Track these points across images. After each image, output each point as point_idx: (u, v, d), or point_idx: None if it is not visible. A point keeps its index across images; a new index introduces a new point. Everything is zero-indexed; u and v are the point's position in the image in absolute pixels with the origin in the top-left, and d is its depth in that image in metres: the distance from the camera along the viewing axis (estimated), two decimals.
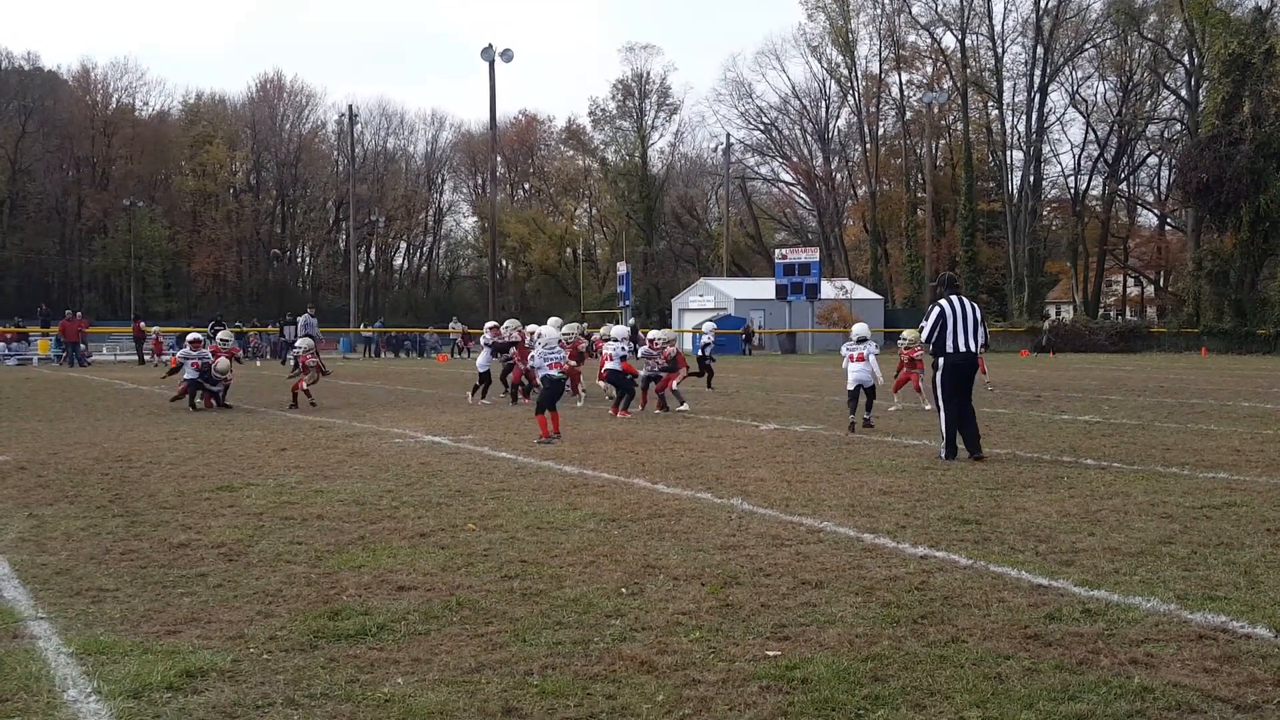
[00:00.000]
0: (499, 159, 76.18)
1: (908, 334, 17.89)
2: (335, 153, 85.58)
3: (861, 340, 14.61)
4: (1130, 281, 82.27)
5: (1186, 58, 63.02)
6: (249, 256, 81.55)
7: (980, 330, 11.50)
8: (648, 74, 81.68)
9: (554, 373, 13.62)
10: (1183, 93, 64.50)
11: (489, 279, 58.59)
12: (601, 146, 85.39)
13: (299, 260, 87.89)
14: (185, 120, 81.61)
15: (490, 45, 50.14)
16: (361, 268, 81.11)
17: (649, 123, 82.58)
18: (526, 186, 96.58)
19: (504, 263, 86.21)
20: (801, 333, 56.61)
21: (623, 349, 17.37)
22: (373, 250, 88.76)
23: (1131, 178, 73.44)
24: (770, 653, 4.71)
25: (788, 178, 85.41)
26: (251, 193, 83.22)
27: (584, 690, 4.24)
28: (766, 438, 13.63)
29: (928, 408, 15.51)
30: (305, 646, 4.81)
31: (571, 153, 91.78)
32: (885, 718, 3.96)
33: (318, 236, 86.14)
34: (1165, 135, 68.55)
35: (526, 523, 7.69)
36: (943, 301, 11.52)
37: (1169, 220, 72.94)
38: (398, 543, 7.02)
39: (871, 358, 14.49)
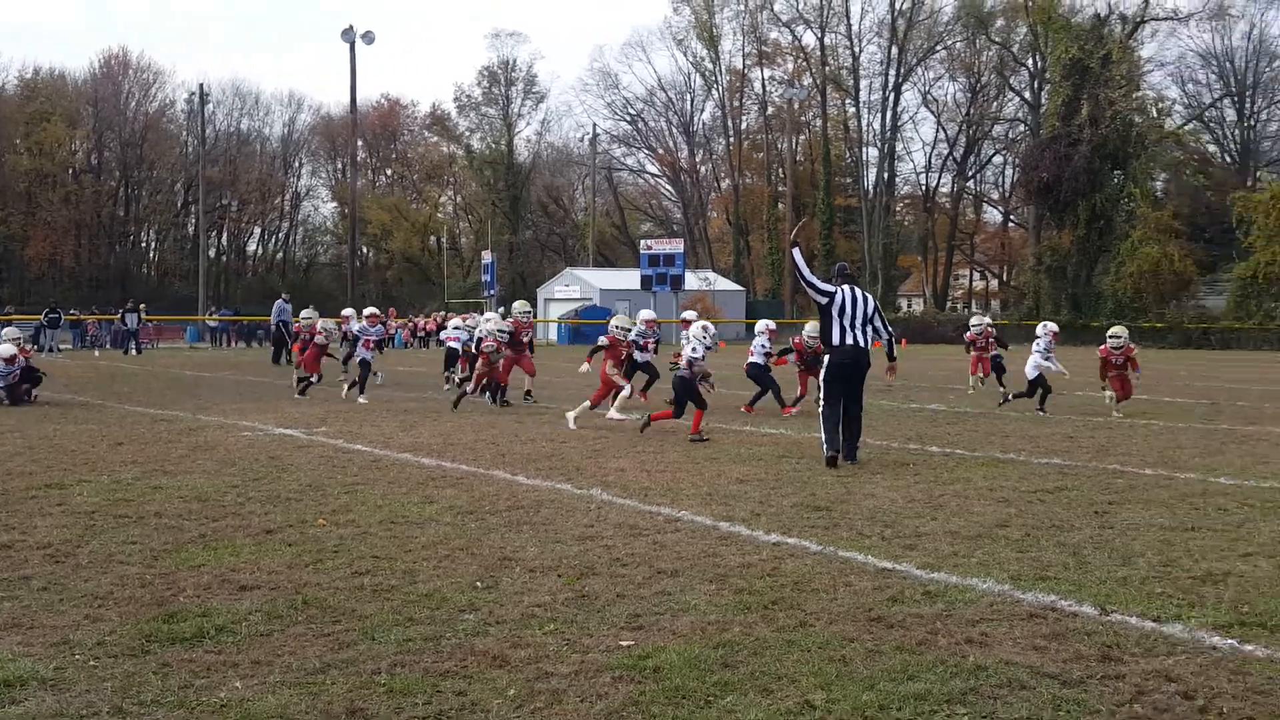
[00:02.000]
0: (360, 143, 74.70)
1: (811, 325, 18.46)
2: (185, 134, 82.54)
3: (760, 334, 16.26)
4: (976, 275, 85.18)
5: (1031, 61, 65.50)
6: (89, 241, 78.14)
7: (870, 323, 10.50)
8: (514, 61, 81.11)
9: (684, 373, 12.69)
10: (1026, 95, 67.01)
11: (348, 266, 57.39)
12: (467, 134, 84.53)
13: (143, 245, 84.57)
14: (21, 96, 77.68)
15: (351, 27, 49.02)
16: (212, 253, 78.54)
17: (515, 111, 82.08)
18: (389, 172, 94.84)
19: (364, 250, 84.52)
20: (666, 323, 56.93)
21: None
22: (224, 235, 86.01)
23: (978, 176, 76.03)
24: (624, 643, 4.74)
25: (653, 169, 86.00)
26: (92, 174, 79.69)
27: (433, 688, 4.20)
28: (628, 428, 13.70)
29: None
30: (136, 651, 4.60)
31: (436, 139, 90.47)
32: (734, 703, 4.04)
33: (164, 220, 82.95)
34: (1010, 135, 71.12)
35: (380, 517, 7.57)
36: (836, 290, 10.66)
37: (1012, 217, 75.70)
38: (241, 540, 6.80)
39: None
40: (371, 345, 17.93)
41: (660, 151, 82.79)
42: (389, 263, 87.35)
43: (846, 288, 10.58)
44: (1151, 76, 65.27)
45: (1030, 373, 15.92)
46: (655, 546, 6.66)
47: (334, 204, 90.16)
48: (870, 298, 10.71)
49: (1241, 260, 50.46)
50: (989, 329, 20.29)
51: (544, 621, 5.06)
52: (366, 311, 18.58)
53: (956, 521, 7.46)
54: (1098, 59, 54.21)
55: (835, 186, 70.03)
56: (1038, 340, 16.17)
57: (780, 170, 73.47)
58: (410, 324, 47.50)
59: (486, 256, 63.67)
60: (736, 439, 12.54)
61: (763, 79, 75.29)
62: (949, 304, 74.95)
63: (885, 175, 69.53)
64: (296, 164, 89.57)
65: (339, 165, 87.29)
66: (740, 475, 9.64)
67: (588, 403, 14.24)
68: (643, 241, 61.58)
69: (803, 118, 73.50)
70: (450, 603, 5.37)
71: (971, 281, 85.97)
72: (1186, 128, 66.54)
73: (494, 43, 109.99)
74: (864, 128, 70.94)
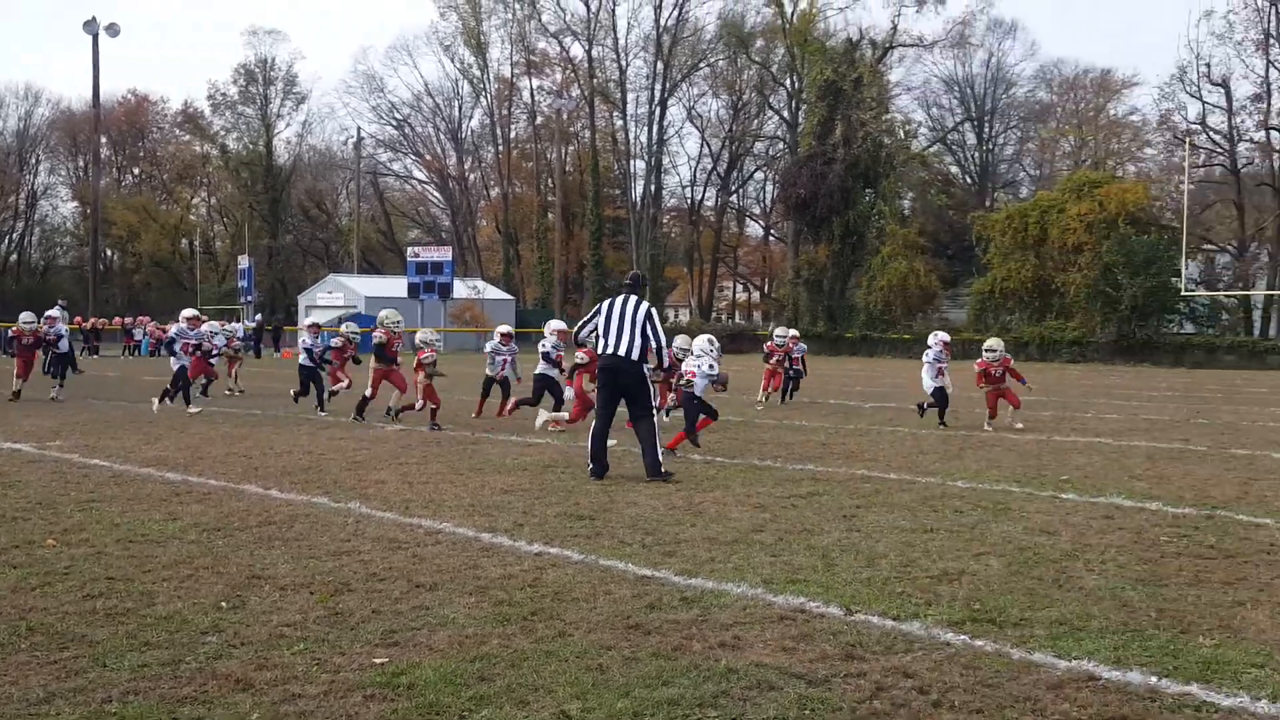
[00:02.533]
0: (104, 140, 70.40)
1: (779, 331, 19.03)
2: None
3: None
4: (739, 287, 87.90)
5: (789, 81, 68.04)
6: None
7: (638, 335, 10.05)
8: (273, 60, 78.30)
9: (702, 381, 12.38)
10: (785, 114, 69.57)
11: (90, 269, 53.92)
12: (222, 133, 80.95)
13: None
14: None
15: (94, 18, 46.31)
16: None
17: (274, 111, 79.21)
18: (136, 171, 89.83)
19: (108, 252, 79.76)
20: (449, 332, 56.23)
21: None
22: None
23: (741, 191, 78.48)
24: (377, 660, 4.62)
25: (421, 175, 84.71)
26: None
27: (170, 714, 3.96)
28: (391, 439, 13.42)
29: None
30: None
31: (188, 138, 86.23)
32: (489, 716, 3.99)
33: None
34: (770, 153, 73.77)
35: (118, 536, 7.12)
36: (608, 300, 10.52)
37: (773, 231, 78.53)
38: None
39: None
40: (190, 350, 17.09)
41: (428, 157, 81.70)
42: (136, 266, 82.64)
43: (621, 297, 10.34)
44: (900, 100, 69.10)
45: (928, 385, 15.56)
46: (414, 560, 6.52)
47: (75, 204, 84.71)
48: (642, 305, 10.30)
49: (980, 276, 53.89)
50: (791, 343, 19.85)
51: (293, 641, 4.87)
52: (188, 313, 17.62)
53: (715, 527, 7.63)
54: (850, 81, 56.87)
55: (604, 197, 70.78)
56: (929, 351, 15.82)
57: (549, 180, 73.76)
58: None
59: (243, 261, 61.27)
60: (502, 449, 12.47)
61: (531, 88, 75.43)
62: (714, 315, 76.96)
63: (652, 188, 70.80)
64: (33, 161, 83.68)
65: (80, 163, 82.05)
66: (505, 485, 9.58)
67: (565, 415, 14.16)
68: (410, 249, 60.59)
69: (571, 128, 74.06)
70: (191, 625, 5.09)
71: (735, 293, 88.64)
72: (931, 149, 70.73)
73: (251, 40, 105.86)
74: (632, 140, 72.10)
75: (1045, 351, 46.95)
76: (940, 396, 15.40)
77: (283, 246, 78.68)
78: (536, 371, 15.84)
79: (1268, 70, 50.82)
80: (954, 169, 75.30)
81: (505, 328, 17.28)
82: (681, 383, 12.53)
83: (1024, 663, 4.66)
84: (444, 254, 56.69)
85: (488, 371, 16.41)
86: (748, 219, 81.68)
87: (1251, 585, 6.06)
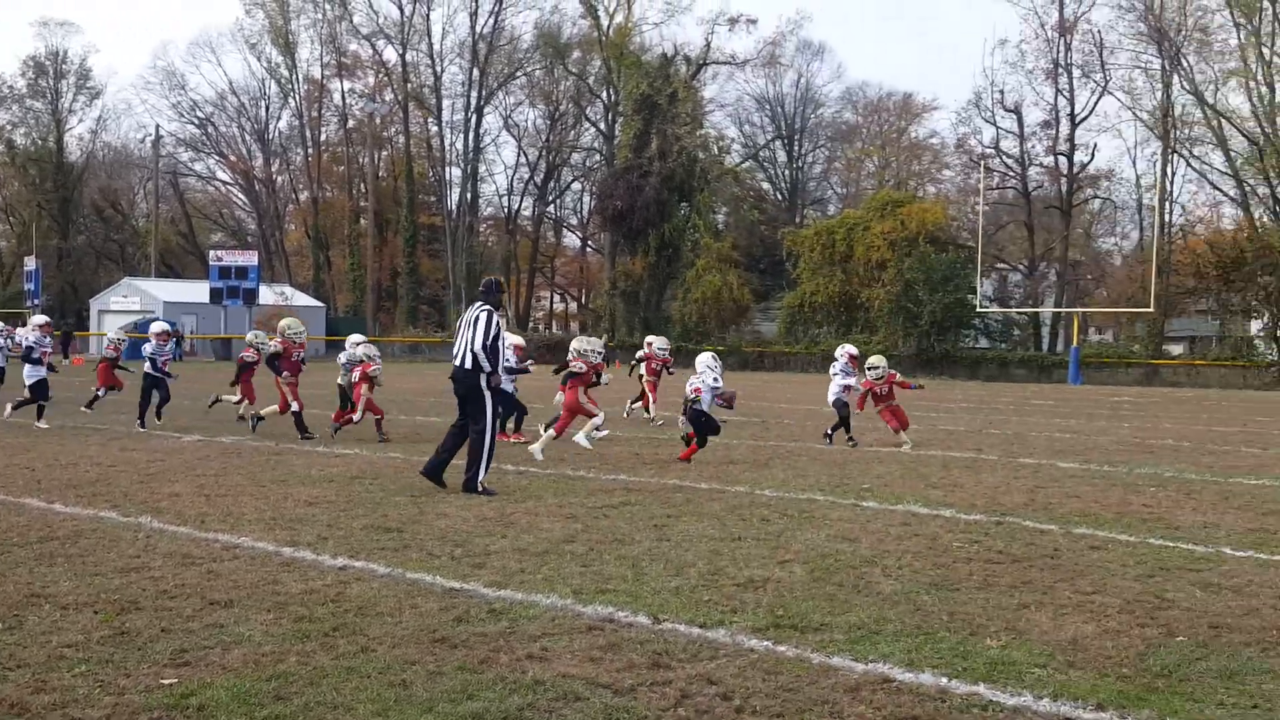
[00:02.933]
0: None
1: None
2: None
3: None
4: (557, 298, 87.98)
5: (605, 94, 68.55)
6: None
7: (478, 341, 9.79)
8: (65, 53, 74.28)
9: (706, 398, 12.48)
10: (602, 126, 70.06)
11: None
12: (9, 128, 76.22)
13: None
14: None
15: None
16: None
17: (66, 106, 75.12)
18: None
19: None
20: (238, 339, 54.22)
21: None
22: None
23: (559, 201, 78.58)
24: (166, 681, 4.40)
25: (225, 177, 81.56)
26: None
27: None
28: (188, 450, 12.87)
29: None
30: None
31: None
32: None
33: None
34: (587, 164, 74.14)
35: None
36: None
37: (590, 243, 78.94)
38: None
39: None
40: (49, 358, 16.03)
41: (233, 159, 78.76)
42: None
43: (473, 306, 10.14)
44: (713, 116, 70.41)
45: (832, 397, 15.16)
46: (209, 576, 6.25)
47: None
48: (479, 315, 9.93)
49: (790, 290, 55.47)
50: (668, 357, 18.90)
51: (75, 662, 4.60)
52: (39, 320, 16.39)
53: (526, 538, 7.58)
54: (665, 96, 57.71)
55: (419, 204, 69.74)
56: (835, 363, 15.28)
57: (362, 185, 72.20)
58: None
59: (30, 263, 57.95)
60: (308, 460, 12.11)
61: (343, 90, 73.69)
62: (531, 325, 76.78)
63: (469, 196, 70.21)
64: None
65: None
66: (309, 498, 9.30)
67: (552, 431, 13.12)
68: (212, 252, 58.34)
69: (385, 133, 72.71)
70: None
71: (552, 303, 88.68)
72: (744, 166, 72.49)
73: (42, 31, 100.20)
74: (447, 147, 71.28)
75: None
76: (841, 409, 14.97)
77: (74, 248, 74.56)
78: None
79: (1056, 98, 54.09)
80: (766, 185, 77.28)
81: (359, 337, 16.68)
82: (692, 401, 12.54)
83: (823, 667, 4.78)
84: (249, 258, 54.89)
85: (339, 381, 15.77)
86: (565, 229, 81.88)
87: (1036, 588, 6.39)
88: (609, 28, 64.64)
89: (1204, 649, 5.18)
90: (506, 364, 13.26)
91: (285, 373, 14.86)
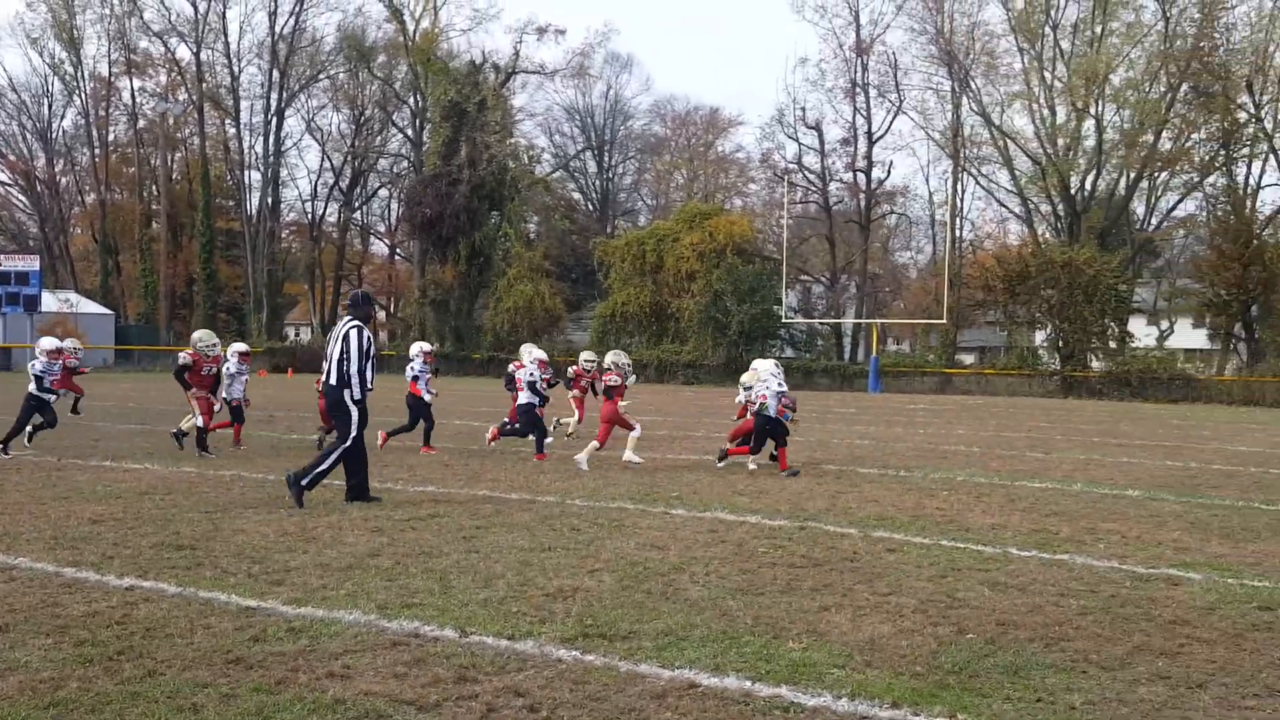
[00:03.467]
0: None
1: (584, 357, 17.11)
2: None
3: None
4: None
5: (413, 99, 67.49)
6: None
7: (336, 358, 9.82)
8: None
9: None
10: (410, 132, 68.93)
11: None
12: None
13: None
14: None
15: None
16: None
17: None
18: None
19: None
20: (19, 348, 50.98)
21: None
22: None
23: (365, 207, 76.95)
24: None
25: (3, 177, 76.61)
26: None
27: None
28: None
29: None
30: None
31: None
32: None
33: None
34: (395, 170, 72.84)
35: None
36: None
37: (398, 250, 77.60)
38: None
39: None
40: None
41: (12, 158, 74.08)
42: None
43: (342, 321, 10.09)
44: (524, 125, 70.27)
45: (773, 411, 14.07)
46: None
47: None
48: (348, 332, 9.87)
49: (602, 300, 55.81)
50: (597, 371, 17.03)
51: None
52: (48, 345, 14.52)
53: (329, 553, 7.35)
54: (474, 104, 57.22)
55: (216, 208, 67.04)
56: (771, 380, 13.94)
57: (155, 187, 68.97)
58: None
59: None
60: (94, 475, 11.45)
61: (133, 89, 70.14)
62: None
63: (269, 200, 67.90)
64: None
65: None
66: (94, 515, 8.79)
67: (595, 443, 13.21)
68: None
69: (179, 134, 69.69)
70: None
71: None
72: (554, 175, 72.52)
73: None
74: (246, 150, 68.79)
75: (662, 373, 49.21)
76: (777, 429, 13.66)
77: None
78: (521, 401, 14.57)
79: (855, 117, 56.03)
80: (577, 195, 77.55)
81: (242, 346, 15.82)
82: (755, 407, 12.79)
83: (631, 674, 4.79)
84: (30, 263, 51.78)
85: (224, 396, 14.91)
86: (372, 237, 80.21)
87: (836, 591, 6.57)
88: (415, 33, 63.57)
89: (992, 646, 5.42)
90: (532, 380, 14.43)
91: (194, 388, 14.03)
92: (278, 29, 64.86)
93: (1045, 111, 49.74)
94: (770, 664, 4.99)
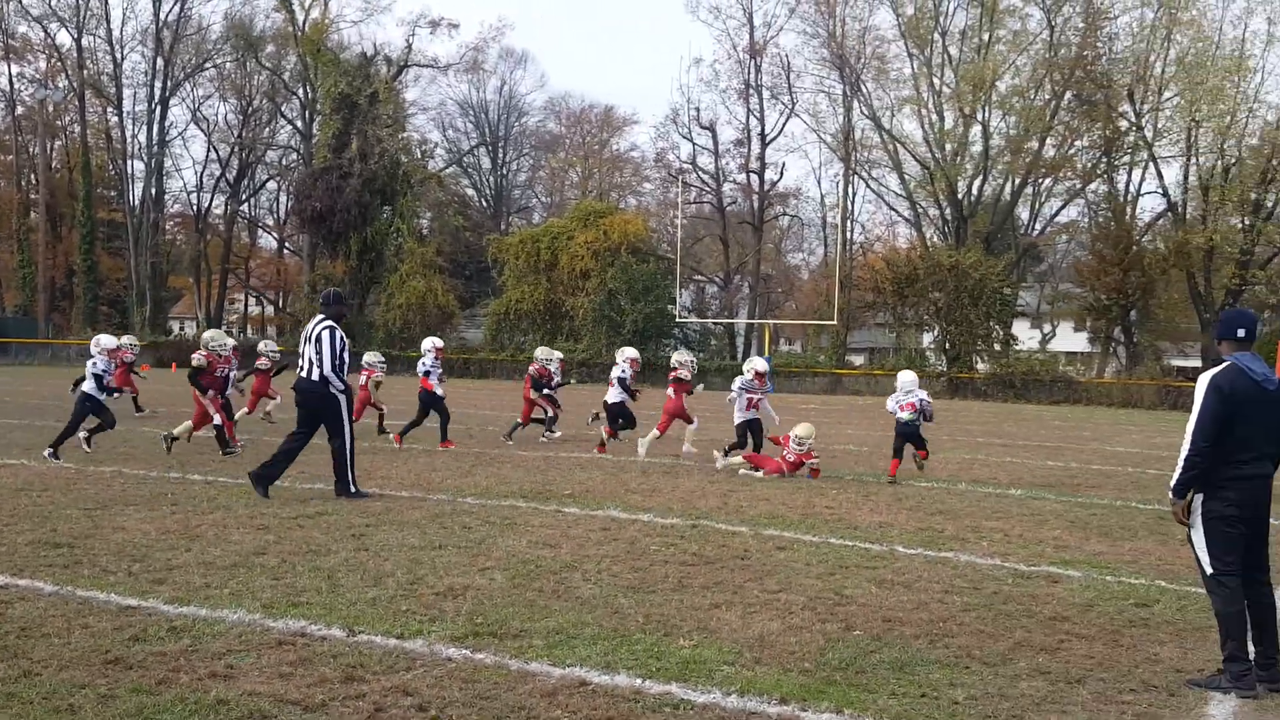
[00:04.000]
0: None
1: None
2: None
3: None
4: (252, 300, 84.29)
5: (302, 91, 66.17)
6: None
7: (312, 354, 10.01)
8: None
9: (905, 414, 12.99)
10: (299, 124, 67.57)
11: None
12: None
13: None
14: None
15: None
16: None
17: None
18: None
19: None
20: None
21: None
22: None
23: (253, 200, 75.24)
24: None
25: None
26: None
27: None
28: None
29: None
30: None
31: None
32: None
33: None
34: (284, 163, 71.32)
35: None
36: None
37: (287, 244, 76.06)
38: None
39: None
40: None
41: None
42: None
43: (314, 321, 10.27)
44: (416, 119, 69.31)
45: (739, 419, 14.23)
46: None
47: None
48: (321, 333, 10.05)
49: (496, 297, 55.45)
50: (558, 369, 17.41)
51: None
52: (108, 342, 13.73)
53: (213, 551, 7.21)
54: (365, 96, 56.37)
55: (98, 199, 64.90)
56: (738, 379, 14.29)
57: (33, 176, 66.52)
58: None
59: None
60: None
61: (10, 75, 67.57)
62: (225, 328, 73.14)
63: (153, 191, 65.96)
64: None
65: None
66: None
67: (656, 431, 14.71)
68: None
69: (59, 121, 67.30)
70: None
71: (247, 306, 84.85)
72: (448, 171, 71.78)
73: None
74: (129, 139, 66.68)
75: None
76: (755, 430, 14.18)
77: None
78: (611, 399, 15.49)
79: (748, 118, 56.66)
80: (470, 191, 76.91)
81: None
82: (901, 417, 13.12)
83: (521, 673, 4.80)
84: None
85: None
86: (260, 229, 78.48)
87: (727, 588, 6.66)
88: (304, 23, 62.34)
89: (878, 642, 5.55)
90: (622, 377, 15.50)
91: (210, 390, 13.68)
92: (162, 15, 63.01)
93: (934, 117, 50.88)
94: (661, 661, 5.04)
